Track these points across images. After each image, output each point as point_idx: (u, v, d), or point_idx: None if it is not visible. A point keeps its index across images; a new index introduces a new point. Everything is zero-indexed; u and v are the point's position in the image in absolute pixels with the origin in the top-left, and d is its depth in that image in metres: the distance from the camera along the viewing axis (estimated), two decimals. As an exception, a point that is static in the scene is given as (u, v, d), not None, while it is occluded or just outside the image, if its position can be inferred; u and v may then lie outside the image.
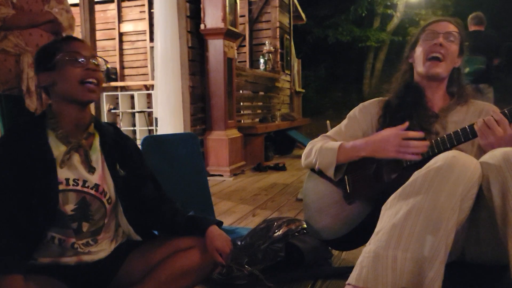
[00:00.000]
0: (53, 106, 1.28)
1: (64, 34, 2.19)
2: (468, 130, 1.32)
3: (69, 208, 1.24)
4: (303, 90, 9.22)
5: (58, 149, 1.24)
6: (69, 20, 2.23)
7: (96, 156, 1.31)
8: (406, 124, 1.42)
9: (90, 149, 1.31)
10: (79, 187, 1.25)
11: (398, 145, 1.39)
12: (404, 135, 1.39)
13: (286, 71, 7.80)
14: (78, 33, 6.70)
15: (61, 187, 1.22)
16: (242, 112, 6.06)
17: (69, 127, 1.27)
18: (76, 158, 1.26)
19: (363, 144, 1.49)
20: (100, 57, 1.31)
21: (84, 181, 1.26)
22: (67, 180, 1.23)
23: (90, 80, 1.24)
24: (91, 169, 1.28)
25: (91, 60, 1.26)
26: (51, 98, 1.29)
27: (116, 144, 1.38)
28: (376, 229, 1.14)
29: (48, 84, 1.26)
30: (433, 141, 1.38)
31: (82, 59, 1.24)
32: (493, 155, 1.12)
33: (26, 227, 1.16)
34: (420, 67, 1.51)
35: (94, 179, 1.28)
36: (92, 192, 1.27)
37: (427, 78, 1.51)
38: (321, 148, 1.60)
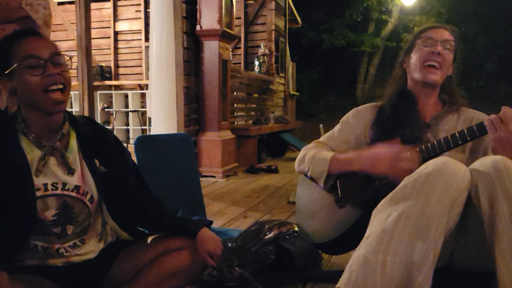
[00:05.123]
0: (21, 110, 1.19)
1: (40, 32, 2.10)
2: (475, 128, 1.30)
3: (50, 214, 1.19)
4: (297, 93, 9.24)
5: (32, 153, 1.18)
6: (45, 18, 2.13)
7: (74, 156, 1.25)
8: (398, 140, 1.42)
9: (66, 150, 1.24)
10: (59, 191, 1.19)
11: (390, 164, 1.37)
12: (397, 155, 1.38)
13: (281, 74, 7.82)
14: (73, 30, 6.72)
15: (39, 193, 1.16)
16: (235, 113, 6.06)
17: (40, 131, 1.19)
18: (52, 162, 1.20)
19: (356, 158, 1.48)
20: (62, 53, 1.17)
21: (64, 184, 1.21)
22: (45, 185, 1.18)
23: (54, 87, 1.13)
24: (70, 170, 1.22)
25: (52, 60, 1.14)
26: (18, 102, 1.18)
27: (94, 140, 1.30)
28: (366, 234, 1.15)
29: (10, 91, 1.15)
30: (435, 141, 1.38)
31: (41, 62, 1.12)
32: (483, 163, 1.13)
33: (4, 236, 1.12)
34: (416, 73, 1.51)
35: (73, 180, 1.22)
36: (73, 194, 1.22)
37: (421, 85, 1.52)
38: (313, 157, 1.60)
